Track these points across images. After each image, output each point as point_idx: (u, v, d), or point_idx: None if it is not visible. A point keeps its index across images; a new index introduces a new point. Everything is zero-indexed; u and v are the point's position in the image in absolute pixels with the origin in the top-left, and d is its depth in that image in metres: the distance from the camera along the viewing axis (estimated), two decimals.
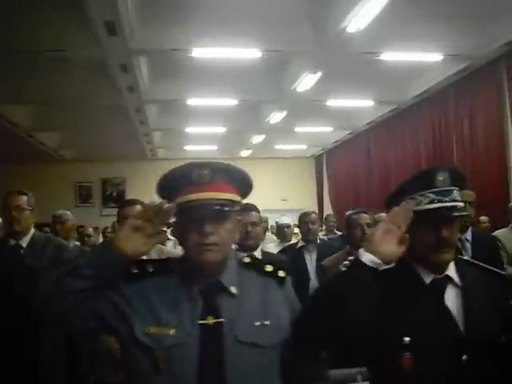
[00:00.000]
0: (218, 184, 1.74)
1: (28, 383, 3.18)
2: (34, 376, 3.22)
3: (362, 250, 1.72)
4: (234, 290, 1.78)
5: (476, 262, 2.07)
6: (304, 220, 5.31)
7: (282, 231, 6.57)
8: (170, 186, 1.79)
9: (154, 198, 1.79)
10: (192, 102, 11.42)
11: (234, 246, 3.87)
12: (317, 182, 19.43)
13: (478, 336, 1.81)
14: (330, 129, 14.88)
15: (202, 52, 8.37)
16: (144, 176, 15.22)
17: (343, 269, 1.76)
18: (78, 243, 6.69)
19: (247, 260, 1.93)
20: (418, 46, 8.52)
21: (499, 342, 1.86)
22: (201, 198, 1.70)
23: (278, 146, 17.23)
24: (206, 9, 7.34)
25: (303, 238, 5.35)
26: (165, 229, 6.07)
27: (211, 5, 7.26)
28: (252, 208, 3.79)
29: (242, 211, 3.72)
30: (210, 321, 1.71)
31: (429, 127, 11.48)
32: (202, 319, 1.71)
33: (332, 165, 18.13)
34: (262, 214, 9.16)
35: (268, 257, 3.86)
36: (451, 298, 1.89)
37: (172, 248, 6.54)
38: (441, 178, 1.86)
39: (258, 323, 1.75)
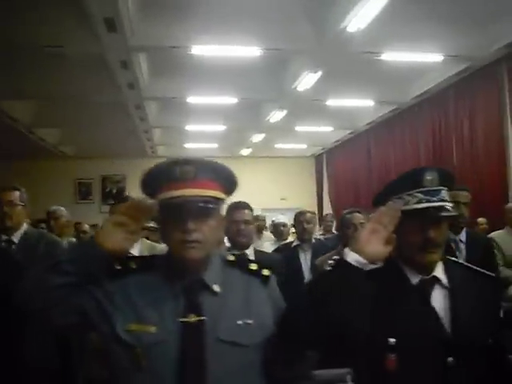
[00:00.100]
0: (201, 181, 1.72)
1: (14, 380, 3.16)
2: (21, 373, 3.20)
3: (347, 250, 1.70)
4: (216, 288, 1.76)
5: (464, 263, 2.04)
6: (299, 219, 5.32)
7: (278, 230, 6.58)
8: (153, 182, 1.77)
9: None
10: (192, 99, 11.41)
11: (227, 244, 3.88)
12: (316, 181, 19.40)
13: (465, 338, 1.79)
14: (330, 128, 14.85)
15: (201, 49, 8.36)
16: None
17: (328, 268, 1.73)
18: (73, 240, 6.67)
19: (231, 258, 1.92)
20: (419, 47, 8.50)
21: (486, 344, 1.84)
22: (184, 195, 1.68)
23: (278, 145, 17.20)
24: (206, 6, 7.32)
25: (298, 237, 5.36)
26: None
27: (211, 2, 7.26)
28: (245, 206, 3.78)
29: (235, 209, 3.75)
30: (192, 319, 1.69)
31: (429, 128, 11.45)
32: (183, 317, 1.69)
33: (332, 164, 18.11)
34: (261, 213, 9.20)
35: (261, 255, 3.84)
36: (438, 299, 1.86)
37: (165, 245, 6.52)
38: (429, 178, 1.84)
39: (240, 322, 1.74)
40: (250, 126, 14.61)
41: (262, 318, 1.79)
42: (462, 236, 4.08)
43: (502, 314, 2.02)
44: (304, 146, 17.57)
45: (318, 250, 4.95)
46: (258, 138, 15.65)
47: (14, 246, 3.72)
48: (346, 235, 4.22)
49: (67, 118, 12.93)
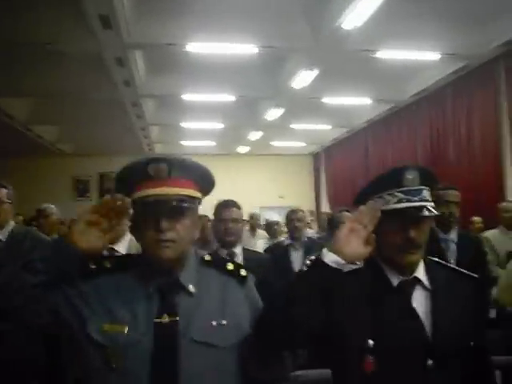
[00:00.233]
0: (175, 179, 1.70)
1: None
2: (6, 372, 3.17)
3: (325, 250, 1.67)
4: (191, 288, 1.74)
5: (447, 263, 2.00)
6: (290, 218, 5.28)
7: (271, 228, 6.56)
8: (127, 180, 1.75)
9: None
10: (189, 97, 11.40)
11: (215, 244, 3.86)
12: (314, 179, 19.42)
13: (446, 340, 1.75)
14: (327, 126, 14.85)
15: (197, 47, 8.36)
16: None
17: (304, 268, 1.70)
18: None
19: (208, 258, 1.89)
20: (415, 45, 8.49)
21: (468, 346, 1.81)
22: (157, 194, 1.66)
23: (276, 143, 17.23)
24: (202, 4, 7.33)
25: (290, 236, 5.33)
26: None
27: (207, 0, 7.23)
28: (233, 204, 3.76)
29: (223, 207, 3.74)
30: (166, 319, 1.67)
31: (426, 126, 11.45)
32: (157, 317, 1.67)
33: (330, 162, 18.11)
34: (259, 211, 9.18)
35: (250, 254, 3.82)
36: (419, 301, 1.83)
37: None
38: (410, 177, 1.80)
39: (214, 323, 1.72)
40: (247, 124, 14.60)
41: (238, 318, 1.76)
42: (453, 235, 4.05)
43: (494, 315, 2.01)
44: (302, 144, 17.59)
45: (310, 248, 4.91)
46: (255, 135, 15.65)
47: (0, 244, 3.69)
48: (335, 234, 4.19)
49: (64, 116, 12.93)
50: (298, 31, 8.06)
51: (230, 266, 1.87)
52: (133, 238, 4.20)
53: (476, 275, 1.96)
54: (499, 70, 9.06)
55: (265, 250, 5.35)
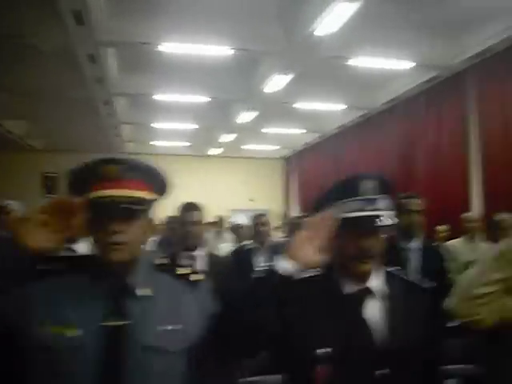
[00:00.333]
0: (127, 181, 1.66)
1: None
2: None
3: (279, 257, 1.66)
4: (142, 292, 1.71)
5: (400, 273, 1.99)
6: (255, 222, 5.29)
7: (236, 231, 6.54)
8: (78, 181, 1.71)
9: None
10: (161, 97, 11.34)
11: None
12: (285, 183, 19.46)
13: (397, 349, 1.75)
14: (300, 131, 14.92)
15: (171, 47, 8.32)
16: None
17: (257, 275, 1.69)
18: None
19: (160, 262, 1.86)
20: (388, 53, 8.57)
21: (419, 356, 1.81)
22: (108, 195, 1.63)
23: (248, 146, 17.24)
24: (176, 4, 7.31)
25: (254, 240, 5.32)
26: None
27: (182, 0, 7.21)
28: (194, 207, 3.75)
29: (184, 210, 3.73)
30: (114, 323, 1.63)
31: (397, 134, 11.54)
32: (106, 321, 1.63)
33: (301, 167, 18.16)
34: (231, 213, 9.13)
35: (211, 257, 3.82)
36: (372, 310, 1.81)
37: None
38: (365, 186, 1.79)
39: (164, 327, 1.69)
40: (219, 126, 14.56)
41: (189, 323, 1.74)
42: (415, 244, 4.05)
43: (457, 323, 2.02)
44: (273, 148, 17.63)
45: (276, 252, 4.91)
46: (227, 138, 15.61)
47: None
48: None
49: (35, 111, 12.76)
50: (271, 35, 8.07)
51: (182, 271, 1.85)
52: None
53: (430, 285, 1.96)
54: (469, 82, 9.17)
55: (231, 254, 5.34)
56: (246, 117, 12.79)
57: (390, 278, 1.92)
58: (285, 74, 9.45)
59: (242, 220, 6.66)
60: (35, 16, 7.36)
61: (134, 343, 1.63)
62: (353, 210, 1.77)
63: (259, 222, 5.26)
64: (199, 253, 3.72)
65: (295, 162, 18.80)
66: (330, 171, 15.01)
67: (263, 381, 2.56)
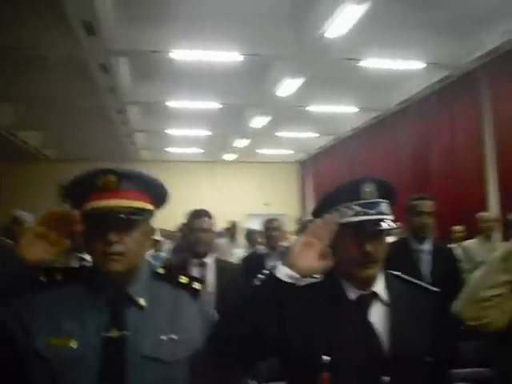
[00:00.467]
0: (125, 191, 1.66)
1: None
2: None
3: (279, 264, 1.64)
4: (142, 301, 1.70)
5: (406, 277, 1.93)
6: (267, 227, 5.25)
7: (250, 237, 6.50)
8: (75, 192, 1.71)
9: None
10: (173, 104, 11.40)
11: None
12: (301, 187, 19.43)
13: (403, 355, 1.71)
14: (314, 134, 14.90)
15: (182, 54, 8.36)
16: None
17: (257, 283, 1.65)
18: None
19: (160, 271, 1.84)
20: (399, 54, 8.54)
21: (425, 362, 1.77)
22: (106, 206, 1.62)
23: (263, 151, 17.26)
24: (185, 11, 7.33)
25: (267, 245, 5.28)
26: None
27: (192, 7, 7.24)
28: (204, 214, 3.72)
29: (194, 217, 3.71)
30: (114, 334, 1.63)
31: (411, 135, 11.49)
32: (105, 331, 1.62)
33: (316, 170, 18.14)
34: (247, 218, 9.09)
35: (221, 264, 3.80)
36: (377, 316, 1.78)
37: None
38: (367, 190, 1.76)
39: (163, 337, 1.68)
40: (233, 132, 14.61)
41: (189, 332, 1.73)
42: (427, 246, 4.01)
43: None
44: (288, 152, 17.61)
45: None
46: (241, 143, 15.65)
47: None
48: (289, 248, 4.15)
49: (50, 121, 12.88)
50: (282, 39, 8.08)
51: (183, 279, 1.83)
52: None
53: (436, 289, 1.92)
54: (482, 80, 9.11)
55: (242, 260, 5.32)
56: (259, 121, 12.82)
57: (394, 281, 1.89)
58: (296, 77, 9.46)
59: (256, 225, 6.61)
60: (47, 28, 7.44)
61: (134, 353, 1.62)
62: (355, 214, 1.74)
63: (271, 226, 5.22)
64: (209, 260, 3.70)
65: (310, 166, 18.79)
66: (345, 174, 14.96)
67: None
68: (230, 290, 1.96)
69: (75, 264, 4.39)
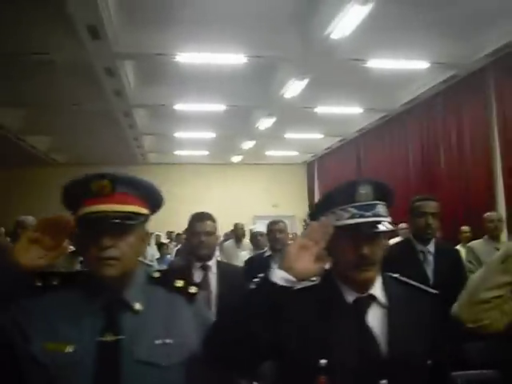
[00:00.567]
0: (119, 195, 1.66)
1: None
2: None
3: (275, 267, 1.62)
4: (137, 306, 1.70)
5: (405, 279, 1.92)
6: (271, 229, 5.16)
7: (255, 239, 6.44)
8: (70, 197, 1.71)
9: None
10: (180, 106, 11.42)
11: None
12: (308, 188, 19.42)
13: (402, 359, 1.69)
14: (320, 135, 14.90)
15: (187, 57, 8.37)
16: None
17: (252, 286, 1.64)
18: None
19: (156, 275, 1.84)
20: (404, 54, 8.52)
21: (424, 365, 1.76)
22: (100, 211, 1.62)
23: (269, 153, 17.25)
24: (190, 14, 7.33)
25: (270, 247, 5.19)
26: None
27: (197, 10, 7.25)
28: (207, 217, 3.69)
29: (196, 220, 3.70)
30: (109, 338, 1.63)
31: (417, 135, 11.48)
32: (101, 336, 1.63)
33: (323, 171, 18.13)
34: (253, 220, 9.00)
35: (224, 267, 3.79)
36: (375, 318, 1.76)
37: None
38: (363, 192, 1.74)
39: (159, 342, 1.68)
40: (239, 134, 14.61)
41: (185, 337, 1.73)
42: (431, 247, 3.97)
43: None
44: (295, 153, 17.60)
45: None
46: (248, 145, 15.67)
47: None
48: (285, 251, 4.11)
49: (57, 126, 12.93)
50: (287, 41, 8.08)
51: (179, 283, 1.83)
52: None
53: (435, 291, 1.91)
54: (488, 79, 9.07)
55: (245, 262, 5.27)
56: (265, 123, 12.82)
57: (392, 283, 1.87)
58: (302, 78, 9.47)
59: (262, 227, 6.57)
60: (53, 32, 7.46)
61: (130, 358, 1.62)
62: (351, 217, 1.73)
63: (274, 228, 5.13)
64: (212, 263, 3.69)
65: (317, 167, 18.78)
66: (352, 175, 14.95)
67: None
68: (232, 292, 1.94)
69: (78, 268, 4.40)
